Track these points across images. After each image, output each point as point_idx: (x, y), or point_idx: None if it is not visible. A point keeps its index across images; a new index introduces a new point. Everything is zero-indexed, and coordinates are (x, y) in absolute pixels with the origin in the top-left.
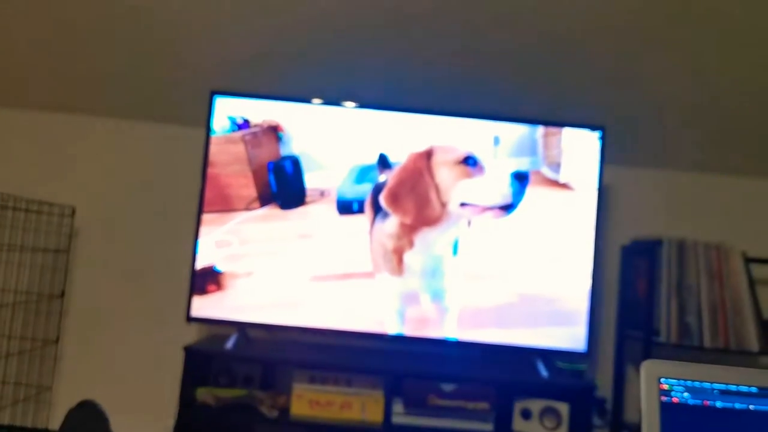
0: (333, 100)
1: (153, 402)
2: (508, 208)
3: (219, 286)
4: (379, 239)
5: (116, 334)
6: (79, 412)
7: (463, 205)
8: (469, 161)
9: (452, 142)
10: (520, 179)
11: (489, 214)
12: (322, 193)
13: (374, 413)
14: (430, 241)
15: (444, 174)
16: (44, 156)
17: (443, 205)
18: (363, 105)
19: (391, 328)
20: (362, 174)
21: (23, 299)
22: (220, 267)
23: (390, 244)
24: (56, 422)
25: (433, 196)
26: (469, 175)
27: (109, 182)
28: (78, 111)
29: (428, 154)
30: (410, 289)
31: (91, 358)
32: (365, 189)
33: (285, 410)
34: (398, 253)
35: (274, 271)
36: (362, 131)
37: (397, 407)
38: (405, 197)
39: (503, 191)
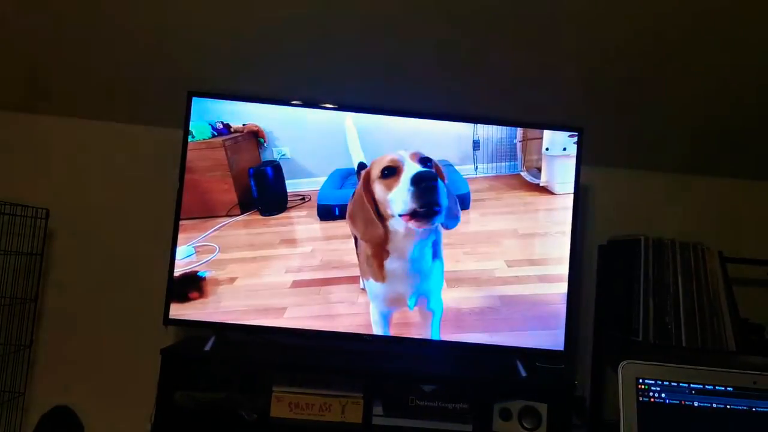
0: (313, 102)
1: (130, 406)
2: (425, 216)
3: (201, 293)
4: (362, 245)
5: (92, 338)
6: (52, 417)
7: (400, 215)
8: (385, 173)
9: (423, 146)
10: (419, 181)
11: (412, 224)
12: (303, 199)
13: (354, 415)
14: (404, 249)
15: (377, 189)
16: (18, 158)
17: (385, 220)
18: (343, 107)
19: (376, 332)
20: (342, 178)
21: None
22: (202, 273)
23: (369, 251)
24: (30, 428)
25: (372, 215)
26: (390, 188)
27: (84, 184)
28: (53, 112)
29: (368, 173)
30: (394, 294)
31: (65, 363)
32: (346, 194)
33: (264, 413)
34: (377, 259)
35: (256, 277)
36: (343, 134)
37: (377, 409)
38: (356, 216)
39: (404, 197)
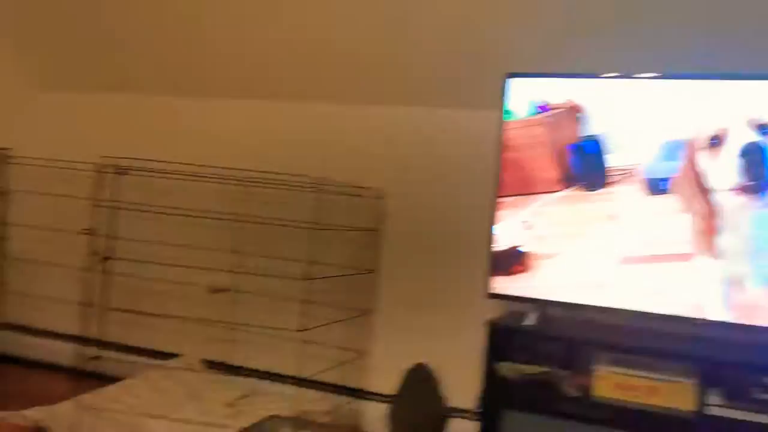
0: (631, 73)
1: (457, 373)
2: (754, 189)
3: (524, 266)
4: (693, 220)
5: (422, 307)
6: (415, 370)
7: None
8: (710, 143)
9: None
10: (745, 153)
11: (740, 198)
12: (626, 173)
13: (685, 402)
14: (738, 224)
15: (702, 160)
16: (357, 146)
17: (712, 193)
18: (666, 76)
19: (712, 314)
20: (672, 150)
21: (344, 273)
22: (524, 248)
23: (698, 226)
24: (373, 384)
25: (694, 188)
26: (715, 159)
27: (414, 167)
28: (384, 102)
29: (693, 143)
30: (732, 273)
31: (401, 328)
32: (675, 167)
33: (586, 391)
34: (708, 235)
35: (579, 253)
36: (667, 104)
37: (713, 398)
38: (681, 189)
39: (733, 170)
